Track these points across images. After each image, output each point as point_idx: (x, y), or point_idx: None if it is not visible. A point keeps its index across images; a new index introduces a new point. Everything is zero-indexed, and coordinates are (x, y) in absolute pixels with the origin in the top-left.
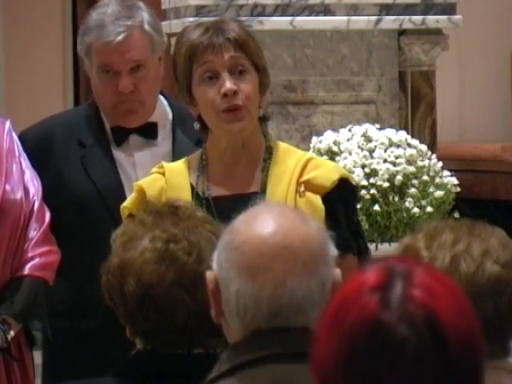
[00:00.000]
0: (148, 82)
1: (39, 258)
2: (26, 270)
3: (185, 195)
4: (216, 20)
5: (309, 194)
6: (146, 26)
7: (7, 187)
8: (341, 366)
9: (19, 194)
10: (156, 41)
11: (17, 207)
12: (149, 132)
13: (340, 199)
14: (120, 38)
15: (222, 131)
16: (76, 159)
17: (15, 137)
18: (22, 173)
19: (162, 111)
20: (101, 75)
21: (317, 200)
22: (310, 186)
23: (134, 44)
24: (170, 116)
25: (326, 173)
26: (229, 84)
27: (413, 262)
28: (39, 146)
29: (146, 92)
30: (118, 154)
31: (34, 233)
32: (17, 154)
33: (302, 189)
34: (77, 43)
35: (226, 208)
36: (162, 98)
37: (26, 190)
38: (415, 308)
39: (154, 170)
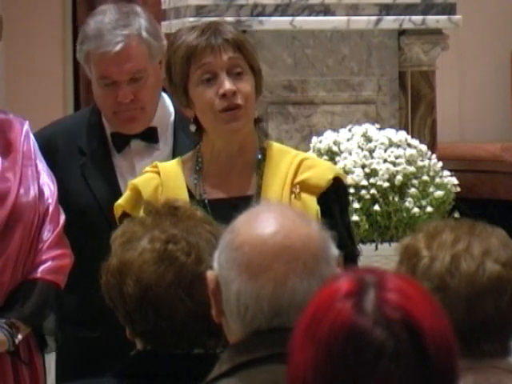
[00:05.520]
0: (148, 90)
1: (51, 261)
2: (38, 273)
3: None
4: (210, 22)
5: (304, 196)
6: (144, 34)
7: (21, 190)
8: (319, 373)
9: (33, 197)
10: (154, 47)
11: (30, 210)
12: (149, 137)
13: (335, 199)
14: (117, 48)
15: (219, 133)
16: (76, 168)
17: (32, 138)
18: (38, 175)
19: (163, 113)
20: (100, 85)
21: (312, 201)
22: (306, 187)
23: (132, 54)
24: (172, 117)
25: (321, 172)
26: (228, 84)
27: (381, 270)
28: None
29: (146, 99)
30: (119, 162)
31: (47, 235)
32: (33, 156)
33: (298, 190)
34: (76, 50)
35: (222, 211)
36: (165, 96)
37: (41, 193)
38: (391, 311)
39: (148, 168)
